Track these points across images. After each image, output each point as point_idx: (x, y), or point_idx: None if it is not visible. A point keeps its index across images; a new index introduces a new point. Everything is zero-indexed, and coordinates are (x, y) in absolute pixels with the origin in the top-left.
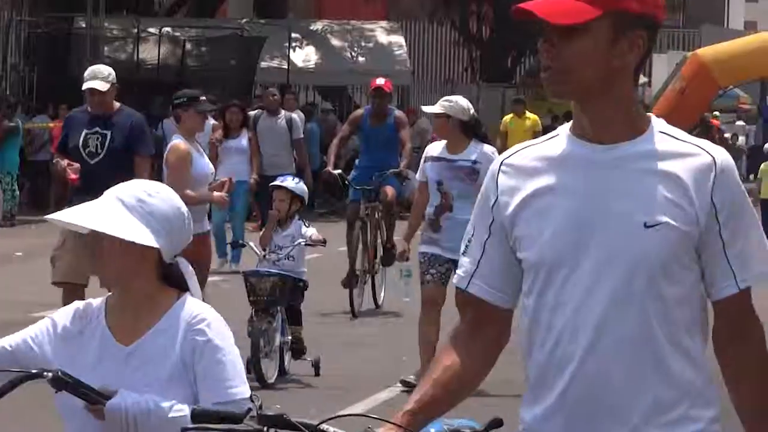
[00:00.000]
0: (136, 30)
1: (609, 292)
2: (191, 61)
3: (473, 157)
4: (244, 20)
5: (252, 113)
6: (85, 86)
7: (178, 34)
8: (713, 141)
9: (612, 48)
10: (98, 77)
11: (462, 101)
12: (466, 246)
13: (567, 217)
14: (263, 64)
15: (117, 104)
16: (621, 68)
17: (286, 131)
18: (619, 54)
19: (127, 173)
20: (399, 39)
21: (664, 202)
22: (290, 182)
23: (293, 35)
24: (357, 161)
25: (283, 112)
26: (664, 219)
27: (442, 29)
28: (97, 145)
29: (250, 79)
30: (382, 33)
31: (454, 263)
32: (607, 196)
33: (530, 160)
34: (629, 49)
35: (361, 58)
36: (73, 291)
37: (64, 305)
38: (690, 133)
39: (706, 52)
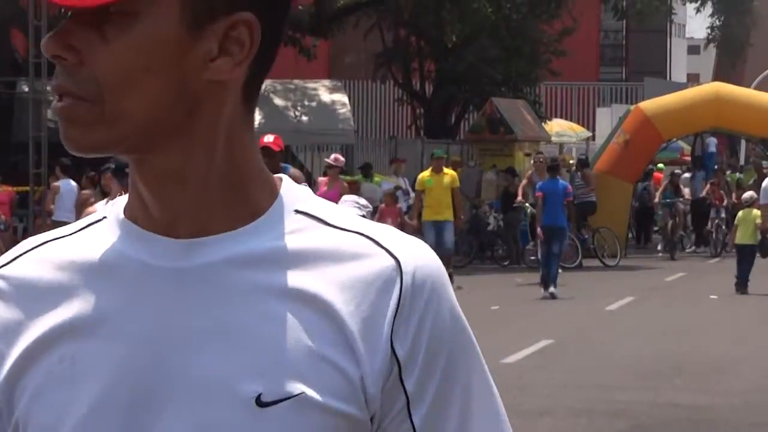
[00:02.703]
0: None
1: None
2: None
3: None
4: None
5: None
6: None
7: None
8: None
9: (190, 49)
10: None
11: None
12: None
13: (107, 387)
14: None
15: None
16: (212, 87)
17: None
18: (203, 59)
19: None
20: (342, 97)
21: (299, 354)
22: None
23: None
24: None
25: None
26: (298, 389)
27: (384, 87)
28: None
29: None
30: (325, 92)
31: None
32: (184, 341)
33: (43, 270)
34: (225, 49)
35: (304, 117)
36: None
37: None
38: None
39: (649, 105)
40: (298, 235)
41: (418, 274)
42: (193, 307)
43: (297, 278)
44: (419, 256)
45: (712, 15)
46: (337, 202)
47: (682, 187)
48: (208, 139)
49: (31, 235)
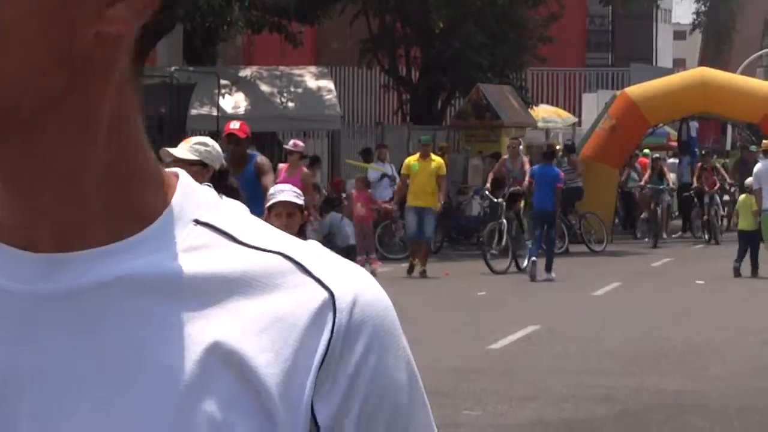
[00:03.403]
0: None
1: None
2: None
3: None
4: (173, 68)
5: None
6: None
7: None
8: (662, 176)
9: None
10: None
11: (217, 145)
12: None
13: None
14: (193, 112)
15: None
16: (102, 47)
17: None
18: (96, 2)
19: None
20: (328, 84)
21: (192, 422)
22: None
23: (222, 82)
24: None
25: None
26: None
27: (371, 73)
28: None
29: (181, 126)
30: (311, 78)
31: None
32: (30, 394)
33: None
34: None
35: (290, 104)
36: None
37: None
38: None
39: (635, 90)
40: (196, 254)
41: (357, 311)
42: (49, 346)
43: (193, 314)
44: (361, 288)
45: (697, 0)
46: (299, 189)
47: (666, 172)
48: (90, 116)
49: None
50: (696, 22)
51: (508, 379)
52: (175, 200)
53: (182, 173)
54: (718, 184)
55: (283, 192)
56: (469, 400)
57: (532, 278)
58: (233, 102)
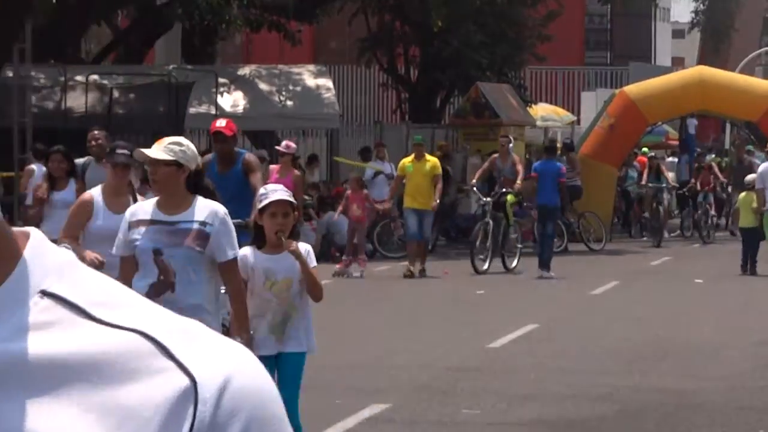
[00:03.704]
0: (63, 78)
1: None
2: (119, 108)
3: (203, 218)
4: (172, 66)
5: (80, 161)
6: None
7: (105, 81)
8: (659, 175)
9: None
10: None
11: (192, 145)
12: None
13: None
14: (191, 110)
15: None
16: None
17: None
18: None
19: None
20: (327, 82)
21: None
22: None
23: (221, 80)
24: None
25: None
26: None
27: (369, 71)
28: None
29: (179, 125)
30: (309, 76)
31: None
32: None
33: None
34: None
35: (289, 102)
36: None
37: None
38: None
39: (634, 89)
40: (39, 334)
41: (226, 401)
42: None
43: (36, 406)
44: (233, 372)
45: None
46: (291, 191)
47: (664, 170)
48: None
49: (16, 219)
50: (695, 20)
51: (507, 377)
52: (20, 269)
53: (34, 232)
54: (712, 183)
55: (276, 191)
56: (468, 398)
57: (543, 275)
58: (232, 100)
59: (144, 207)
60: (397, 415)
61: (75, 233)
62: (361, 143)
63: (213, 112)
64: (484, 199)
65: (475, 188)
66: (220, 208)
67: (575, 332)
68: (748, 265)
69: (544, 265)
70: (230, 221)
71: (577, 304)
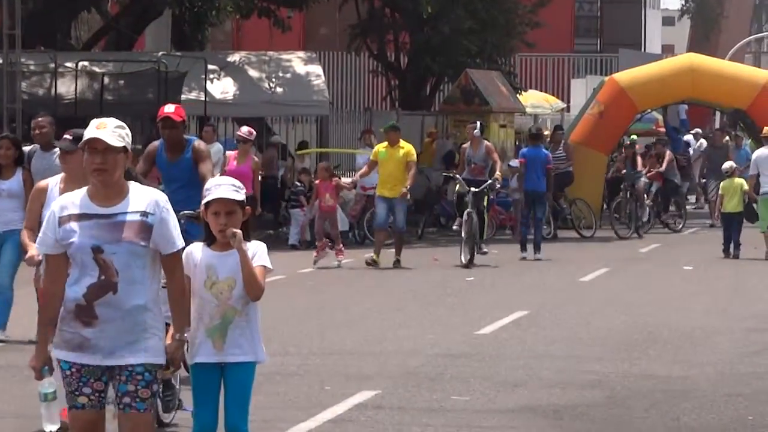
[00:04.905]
0: (53, 65)
1: None
2: (109, 95)
3: (143, 208)
4: (161, 53)
5: (27, 149)
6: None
7: (95, 68)
8: (634, 163)
9: None
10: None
11: (127, 129)
12: None
13: None
14: (181, 97)
15: None
16: None
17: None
18: None
19: None
20: (317, 69)
21: None
22: None
23: (210, 67)
24: None
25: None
26: None
27: (359, 58)
28: None
29: None
30: (299, 63)
31: (119, 371)
32: None
33: None
34: None
35: (279, 89)
36: None
37: None
38: (611, 156)
39: (623, 76)
40: None
41: None
42: None
43: None
44: None
45: None
46: (249, 178)
47: (639, 158)
48: None
49: None
50: (684, 8)
51: (496, 364)
52: None
53: None
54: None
55: (220, 187)
56: (457, 385)
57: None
58: (221, 87)
59: (72, 199)
60: (385, 401)
61: (33, 224)
62: (351, 130)
63: (203, 98)
64: (469, 189)
65: (458, 176)
66: (161, 196)
67: (564, 319)
68: (731, 249)
69: (537, 247)
70: (172, 209)
71: (566, 290)
